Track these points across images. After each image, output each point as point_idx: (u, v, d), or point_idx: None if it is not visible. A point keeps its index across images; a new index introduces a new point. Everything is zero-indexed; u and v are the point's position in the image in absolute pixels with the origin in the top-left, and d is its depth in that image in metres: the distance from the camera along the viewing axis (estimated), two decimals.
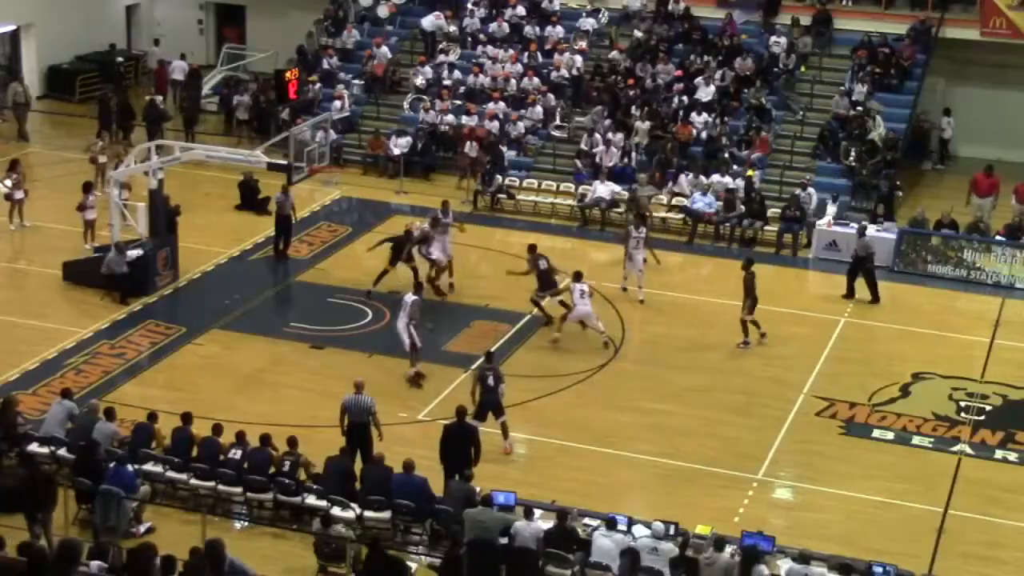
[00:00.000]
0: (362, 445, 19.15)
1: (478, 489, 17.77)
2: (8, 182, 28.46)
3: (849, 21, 34.95)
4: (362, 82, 35.29)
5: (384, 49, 35.51)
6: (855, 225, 29.05)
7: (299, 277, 27.03)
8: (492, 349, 22.23)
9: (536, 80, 34.33)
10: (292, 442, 18.54)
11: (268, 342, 23.93)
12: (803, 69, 34.02)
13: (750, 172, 30.61)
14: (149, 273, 25.54)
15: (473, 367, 22.18)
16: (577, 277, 24.14)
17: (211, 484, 18.35)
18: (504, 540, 16.83)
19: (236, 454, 18.48)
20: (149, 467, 18.61)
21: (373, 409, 19.33)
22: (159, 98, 35.45)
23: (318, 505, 17.71)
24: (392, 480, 17.90)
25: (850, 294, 26.86)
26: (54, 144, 34.47)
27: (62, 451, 18.80)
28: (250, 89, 35.80)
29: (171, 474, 18.56)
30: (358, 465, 18.65)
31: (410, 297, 22.56)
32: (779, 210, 29.83)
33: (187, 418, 18.99)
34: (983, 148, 34.13)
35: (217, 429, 18.88)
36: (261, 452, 18.47)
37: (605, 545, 16.57)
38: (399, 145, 32.91)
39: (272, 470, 18.32)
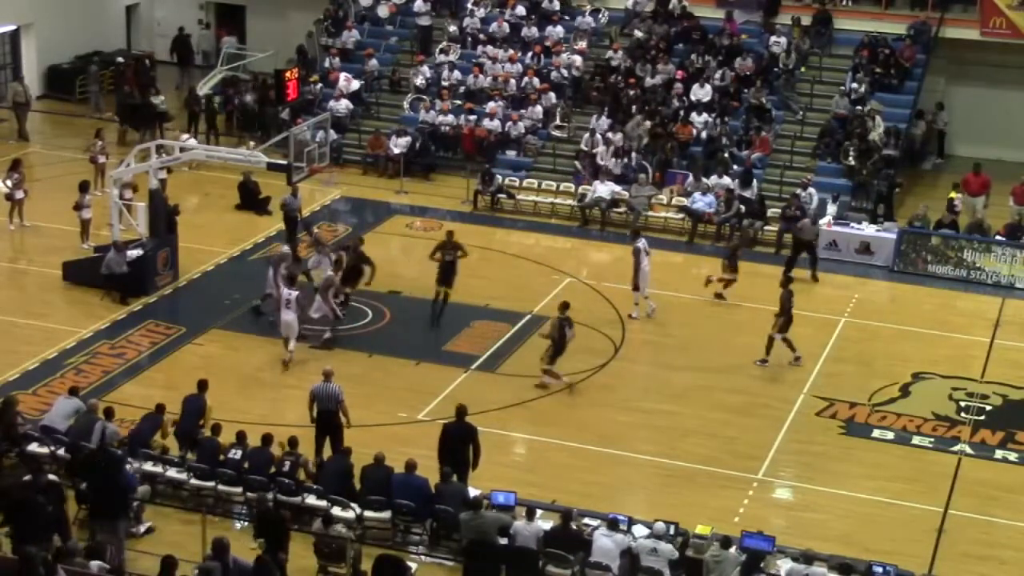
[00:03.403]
0: (330, 432, 19.37)
1: (476, 492, 17.75)
2: (9, 182, 28.45)
3: (849, 21, 34.93)
4: (362, 81, 35.22)
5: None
6: (855, 225, 29.13)
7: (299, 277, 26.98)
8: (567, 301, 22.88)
9: (536, 80, 34.33)
10: (293, 442, 18.53)
11: (268, 342, 23.90)
12: (803, 69, 34.01)
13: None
14: (149, 273, 25.53)
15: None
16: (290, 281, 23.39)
17: (211, 484, 18.35)
18: (504, 540, 16.84)
19: (236, 454, 18.48)
20: (148, 467, 18.59)
21: (340, 397, 19.46)
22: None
23: (318, 505, 17.70)
24: (393, 480, 17.88)
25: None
26: (54, 144, 34.46)
27: (60, 452, 18.79)
28: (249, 89, 35.82)
29: (171, 473, 18.56)
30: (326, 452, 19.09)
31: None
32: (779, 210, 29.83)
33: (203, 385, 19.43)
34: (983, 148, 34.12)
35: (216, 429, 18.89)
36: (262, 452, 18.46)
37: (605, 545, 16.57)
38: (399, 145, 32.91)
39: (272, 470, 18.31)
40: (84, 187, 27.49)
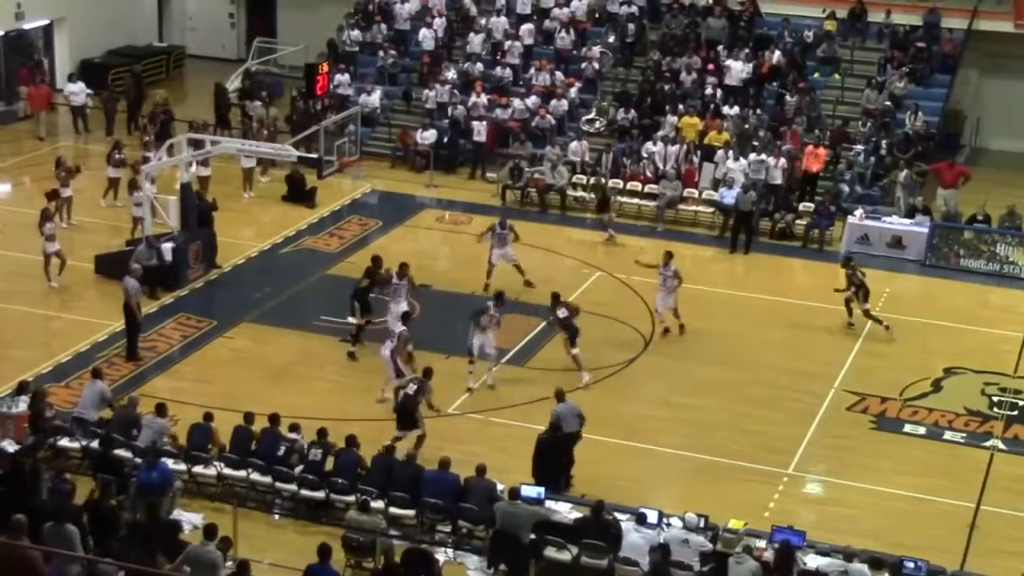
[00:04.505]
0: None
1: (501, 488, 17.73)
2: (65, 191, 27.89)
3: (883, 14, 34.69)
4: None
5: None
6: (887, 220, 28.97)
7: (329, 271, 27.08)
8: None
9: (560, 75, 34.24)
10: (322, 433, 18.49)
11: (298, 335, 23.98)
12: (836, 76, 33.79)
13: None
14: (181, 266, 25.63)
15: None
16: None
17: (242, 474, 18.32)
18: (532, 536, 16.83)
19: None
20: (200, 469, 18.52)
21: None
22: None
23: (347, 499, 17.69)
24: (424, 477, 17.84)
25: (734, 247, 28.40)
26: (89, 138, 34.58)
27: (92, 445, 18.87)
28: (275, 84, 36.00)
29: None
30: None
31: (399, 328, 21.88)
32: (811, 205, 29.74)
33: (249, 417, 18.91)
34: (1016, 141, 33.85)
35: (249, 418, 18.90)
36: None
37: (635, 541, 16.54)
38: (425, 138, 32.92)
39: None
40: (131, 185, 26.84)
